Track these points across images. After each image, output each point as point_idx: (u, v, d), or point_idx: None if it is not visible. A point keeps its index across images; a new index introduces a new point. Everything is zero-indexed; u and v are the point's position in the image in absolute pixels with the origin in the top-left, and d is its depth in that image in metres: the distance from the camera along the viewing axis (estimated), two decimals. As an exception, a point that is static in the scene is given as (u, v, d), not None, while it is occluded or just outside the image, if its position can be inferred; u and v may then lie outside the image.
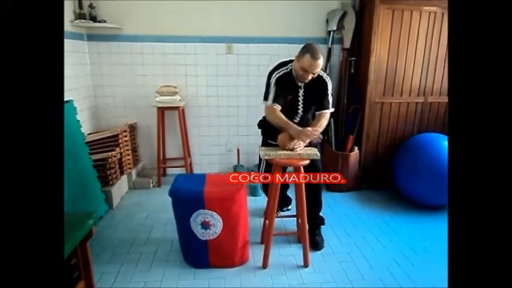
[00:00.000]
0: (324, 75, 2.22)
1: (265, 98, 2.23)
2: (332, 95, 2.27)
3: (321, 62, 2.04)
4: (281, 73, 2.20)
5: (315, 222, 2.43)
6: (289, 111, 2.26)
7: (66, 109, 2.54)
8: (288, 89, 2.22)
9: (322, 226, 2.51)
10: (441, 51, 3.14)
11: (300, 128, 2.10)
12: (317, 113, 2.27)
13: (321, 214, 2.50)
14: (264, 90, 2.29)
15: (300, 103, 2.26)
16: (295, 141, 2.06)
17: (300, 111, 2.28)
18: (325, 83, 2.21)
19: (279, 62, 2.29)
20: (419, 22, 3.05)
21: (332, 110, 2.27)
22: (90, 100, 3.37)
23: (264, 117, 2.40)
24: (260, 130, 2.48)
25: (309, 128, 2.10)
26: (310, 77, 2.09)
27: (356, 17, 3.24)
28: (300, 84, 2.20)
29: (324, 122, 2.22)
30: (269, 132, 2.31)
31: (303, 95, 2.24)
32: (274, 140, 2.28)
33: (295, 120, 2.28)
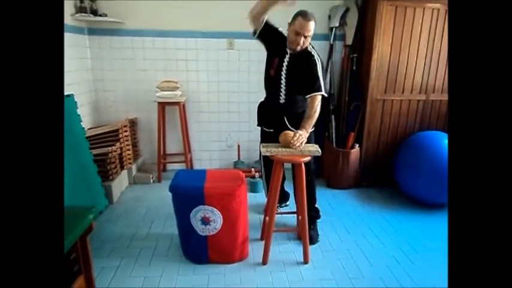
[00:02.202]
0: (314, 53, 2.19)
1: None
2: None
3: (312, 24, 2.05)
4: (282, 32, 2.21)
5: (310, 215, 2.43)
6: (273, 83, 2.27)
7: (66, 103, 2.53)
8: (278, 50, 2.22)
9: (318, 220, 2.52)
10: (444, 49, 3.13)
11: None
12: (307, 97, 2.16)
13: (316, 206, 2.51)
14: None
15: (283, 72, 2.21)
16: (297, 136, 2.03)
17: (282, 86, 2.23)
18: (313, 61, 2.15)
19: None
20: (422, 19, 3.03)
21: (324, 94, 2.17)
22: (91, 95, 3.37)
23: (262, 102, 2.44)
24: (257, 116, 2.50)
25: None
26: (301, 42, 2.08)
27: (358, 13, 3.22)
28: (288, 51, 2.19)
29: (317, 106, 2.11)
30: (262, 116, 2.32)
31: (287, 63, 2.20)
32: (267, 127, 2.33)
33: (281, 100, 2.27)
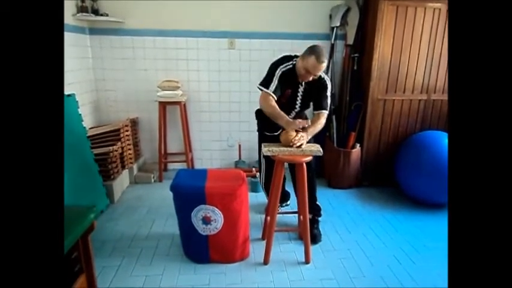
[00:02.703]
0: (325, 77, 2.27)
1: (264, 85, 2.20)
2: (333, 93, 2.29)
3: (324, 65, 2.08)
4: (286, 68, 2.20)
5: (312, 212, 2.43)
6: (287, 106, 2.29)
7: (68, 103, 2.54)
8: (289, 84, 2.23)
9: (319, 219, 2.52)
10: (445, 48, 3.12)
11: (290, 119, 2.12)
12: (315, 112, 2.29)
13: (318, 203, 2.51)
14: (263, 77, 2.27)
15: (298, 99, 2.31)
16: (299, 137, 2.04)
17: (297, 107, 2.34)
18: (325, 84, 2.26)
19: (283, 55, 2.28)
20: (424, 19, 3.02)
21: (327, 112, 2.29)
22: (92, 94, 3.37)
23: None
24: (256, 121, 2.49)
25: (299, 120, 2.11)
26: (311, 78, 2.14)
27: (360, 13, 3.21)
28: (300, 81, 2.22)
29: (322, 121, 2.26)
30: (266, 123, 2.31)
31: (302, 92, 2.28)
32: (271, 131, 2.32)
33: (290, 116, 2.31)
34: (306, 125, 2.11)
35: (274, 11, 3.35)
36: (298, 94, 2.29)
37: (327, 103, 2.27)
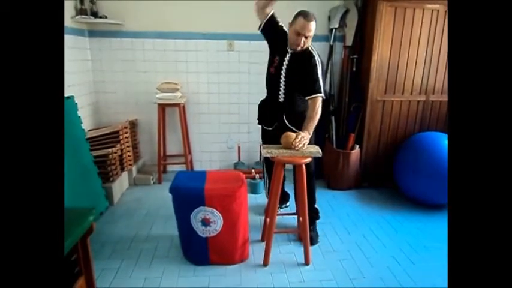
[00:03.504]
0: (314, 53, 2.19)
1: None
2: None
3: (313, 24, 2.07)
4: (284, 29, 2.22)
5: (309, 215, 2.43)
6: (273, 80, 2.28)
7: (67, 105, 2.54)
8: (280, 48, 2.23)
9: (317, 221, 2.52)
10: (443, 50, 3.13)
11: None
12: (307, 98, 2.17)
13: (316, 206, 2.51)
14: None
15: (283, 69, 2.23)
16: (299, 139, 2.01)
17: (282, 83, 2.25)
18: (313, 61, 2.16)
19: None
20: (422, 20, 3.03)
21: (322, 95, 2.16)
22: (91, 96, 3.37)
23: (262, 100, 2.45)
24: (257, 115, 2.51)
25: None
26: (302, 42, 2.10)
27: (358, 14, 3.22)
28: (289, 50, 2.20)
29: (318, 108, 2.12)
30: (262, 114, 2.33)
31: (287, 61, 2.22)
32: (267, 125, 2.35)
33: (280, 99, 2.29)
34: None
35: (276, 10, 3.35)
36: (284, 64, 2.22)
37: (319, 85, 2.13)
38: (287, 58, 2.22)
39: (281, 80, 2.25)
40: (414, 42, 3.08)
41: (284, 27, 2.24)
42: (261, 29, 2.25)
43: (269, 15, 2.19)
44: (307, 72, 2.16)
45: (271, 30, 2.23)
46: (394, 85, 3.17)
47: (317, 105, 2.12)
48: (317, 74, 2.16)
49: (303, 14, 2.06)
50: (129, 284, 1.99)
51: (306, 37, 2.08)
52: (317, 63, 2.17)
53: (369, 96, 3.15)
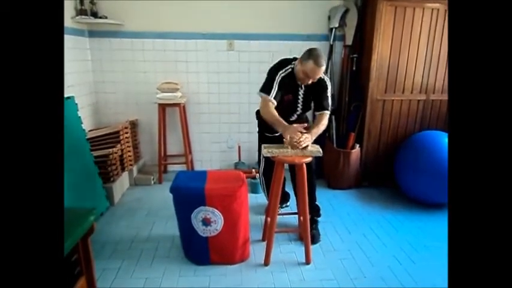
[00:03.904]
0: (325, 78, 2.26)
1: (264, 91, 2.19)
2: (332, 94, 2.28)
3: (323, 69, 2.08)
4: (286, 72, 2.20)
5: (310, 212, 2.43)
6: (288, 109, 2.30)
7: (67, 105, 2.54)
8: (290, 88, 2.23)
9: (318, 220, 2.53)
10: (443, 49, 3.12)
11: (287, 124, 2.11)
12: (317, 113, 2.30)
13: (317, 203, 2.51)
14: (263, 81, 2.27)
15: (299, 102, 2.32)
16: (304, 138, 2.02)
17: (298, 110, 2.35)
18: (326, 85, 2.26)
19: (281, 58, 2.29)
20: (422, 19, 3.03)
21: (329, 112, 2.30)
22: (91, 96, 3.37)
23: None
24: (257, 122, 2.49)
25: (296, 125, 2.12)
26: (310, 82, 2.14)
27: (358, 13, 3.22)
28: (300, 83, 2.23)
29: (325, 121, 2.25)
30: (266, 124, 2.32)
31: (303, 95, 2.29)
32: (271, 132, 2.32)
33: (292, 119, 2.33)
34: (303, 130, 2.09)
35: (273, 13, 3.35)
36: (299, 97, 2.29)
37: (328, 103, 2.27)
38: (301, 92, 2.28)
39: (297, 109, 2.35)
40: (414, 41, 3.08)
41: (284, 70, 2.20)
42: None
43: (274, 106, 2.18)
44: (319, 95, 2.26)
45: (278, 94, 2.20)
46: (394, 84, 3.17)
47: (324, 119, 2.24)
48: (327, 94, 2.27)
49: (314, 59, 2.01)
50: (130, 284, 1.99)
51: (314, 79, 2.12)
52: (327, 84, 2.26)
53: (369, 95, 3.15)
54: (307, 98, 2.31)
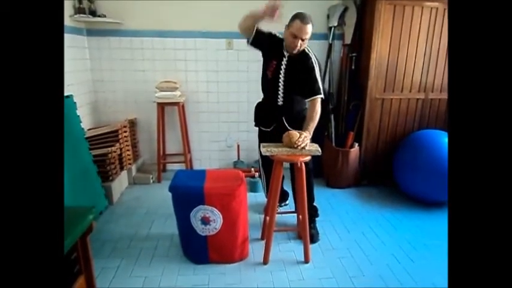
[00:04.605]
0: (310, 53, 2.19)
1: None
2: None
3: (310, 27, 2.05)
4: (277, 37, 2.23)
5: (308, 213, 2.43)
6: (271, 82, 2.26)
7: (66, 104, 2.53)
8: (275, 52, 2.22)
9: (317, 219, 2.53)
10: (442, 48, 3.13)
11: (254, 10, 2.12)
12: (307, 100, 2.18)
13: (315, 204, 2.51)
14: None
15: (281, 73, 2.23)
16: (302, 138, 2.01)
17: (280, 87, 2.25)
18: (311, 64, 2.16)
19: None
20: (421, 18, 3.03)
21: (322, 96, 2.17)
22: (90, 95, 3.36)
23: (259, 103, 2.45)
24: (254, 116, 2.50)
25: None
26: (299, 45, 2.09)
27: (357, 12, 3.22)
28: (286, 53, 2.19)
29: (318, 108, 2.12)
30: (260, 116, 2.34)
31: (285, 65, 2.21)
32: (264, 126, 2.35)
33: (278, 102, 2.29)
34: (276, 9, 1.99)
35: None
36: (282, 67, 2.21)
37: (318, 86, 2.14)
38: (284, 62, 2.21)
39: (280, 84, 2.25)
40: (413, 40, 3.08)
41: (274, 32, 2.24)
42: (250, 43, 2.25)
43: (255, 30, 2.19)
44: (305, 75, 2.17)
45: (260, 41, 2.23)
46: (393, 83, 3.18)
47: (317, 106, 2.14)
48: (315, 75, 2.16)
49: (300, 17, 2.04)
50: (129, 282, 1.99)
51: (302, 40, 2.07)
52: (315, 64, 2.17)
53: (368, 94, 3.15)
54: (289, 71, 2.20)
